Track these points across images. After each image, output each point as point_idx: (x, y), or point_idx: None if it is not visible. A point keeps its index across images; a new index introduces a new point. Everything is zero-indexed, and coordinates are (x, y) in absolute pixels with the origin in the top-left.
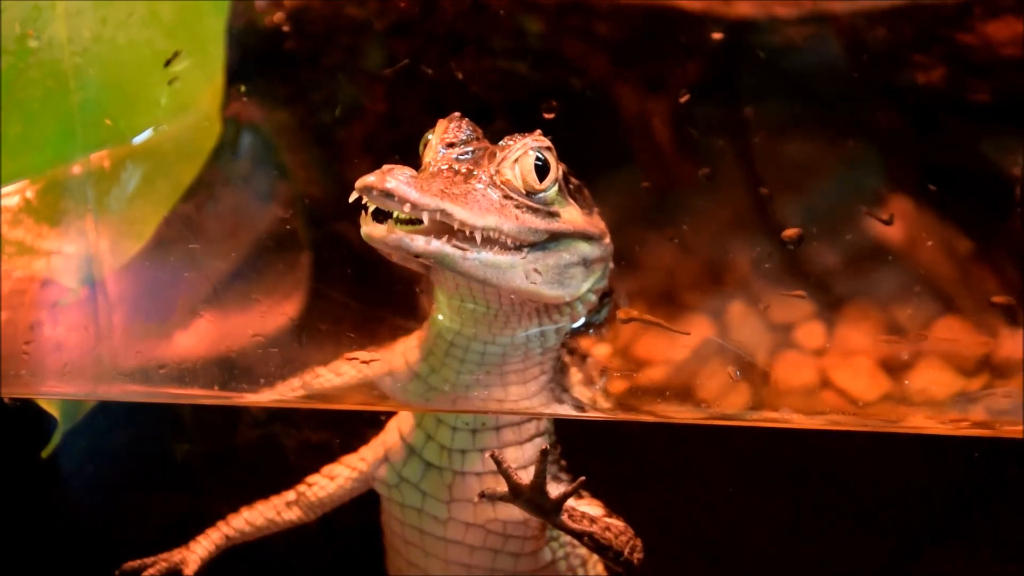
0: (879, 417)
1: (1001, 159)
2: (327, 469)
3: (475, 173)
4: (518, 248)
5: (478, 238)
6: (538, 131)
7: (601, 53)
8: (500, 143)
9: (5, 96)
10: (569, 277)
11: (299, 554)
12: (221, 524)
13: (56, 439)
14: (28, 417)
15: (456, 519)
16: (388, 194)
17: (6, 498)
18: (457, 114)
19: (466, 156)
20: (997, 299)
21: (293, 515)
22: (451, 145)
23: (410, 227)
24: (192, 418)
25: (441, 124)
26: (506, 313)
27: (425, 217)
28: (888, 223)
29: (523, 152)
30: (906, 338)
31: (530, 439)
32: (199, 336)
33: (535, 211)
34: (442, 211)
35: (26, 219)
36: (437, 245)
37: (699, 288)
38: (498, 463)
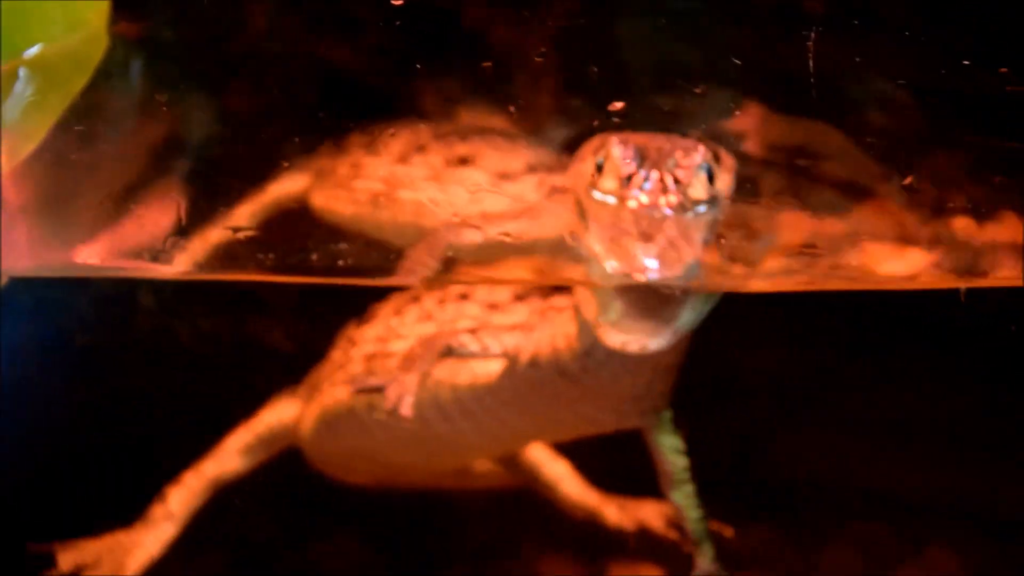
0: None
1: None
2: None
3: (669, 212)
4: None
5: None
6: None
7: None
8: (670, 163)
9: None
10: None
11: None
12: None
13: None
14: None
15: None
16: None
17: None
18: (613, 139)
19: (648, 186)
20: None
21: None
22: (629, 177)
23: None
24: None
25: (612, 160)
26: None
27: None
28: None
29: (698, 169)
30: None
31: None
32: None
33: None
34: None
35: None
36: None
37: None
38: None
